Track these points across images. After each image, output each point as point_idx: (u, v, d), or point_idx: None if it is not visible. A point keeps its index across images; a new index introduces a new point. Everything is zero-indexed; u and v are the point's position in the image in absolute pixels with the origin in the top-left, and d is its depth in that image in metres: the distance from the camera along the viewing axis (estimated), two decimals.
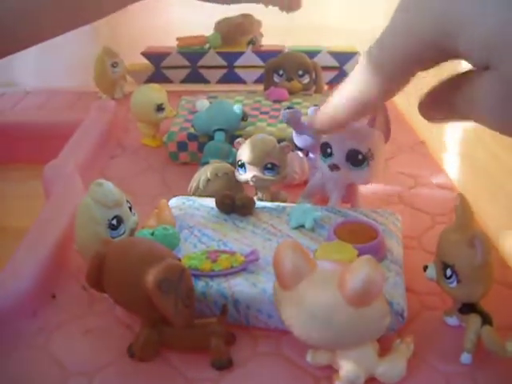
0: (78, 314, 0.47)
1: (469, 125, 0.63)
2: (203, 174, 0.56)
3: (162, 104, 0.72)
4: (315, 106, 0.56)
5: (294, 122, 0.55)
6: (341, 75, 0.90)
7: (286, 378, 0.41)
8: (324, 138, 0.51)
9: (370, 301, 0.36)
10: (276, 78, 0.81)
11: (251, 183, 0.54)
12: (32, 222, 0.54)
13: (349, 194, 0.54)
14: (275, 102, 0.77)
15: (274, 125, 0.70)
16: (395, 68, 0.39)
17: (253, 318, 0.44)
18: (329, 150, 0.51)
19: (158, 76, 0.94)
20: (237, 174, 0.55)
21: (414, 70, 0.39)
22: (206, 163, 0.60)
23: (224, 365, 0.41)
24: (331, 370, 0.40)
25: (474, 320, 0.41)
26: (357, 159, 0.50)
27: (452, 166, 0.68)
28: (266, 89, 0.81)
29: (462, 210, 0.43)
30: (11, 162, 0.81)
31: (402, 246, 0.49)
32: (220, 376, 0.41)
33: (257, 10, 0.88)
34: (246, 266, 0.45)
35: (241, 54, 0.93)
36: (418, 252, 0.53)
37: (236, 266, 0.44)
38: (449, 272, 0.41)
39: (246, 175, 0.53)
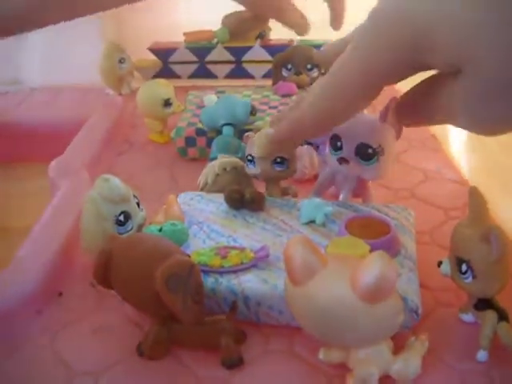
0: (85, 312, 0.46)
1: None
2: (211, 168, 0.55)
3: (169, 99, 0.72)
4: None
5: None
6: None
7: (298, 376, 0.40)
8: (334, 131, 0.50)
9: (384, 297, 0.35)
10: (284, 73, 0.80)
11: (260, 178, 0.53)
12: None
13: (360, 189, 0.53)
14: (284, 96, 0.76)
15: None
16: (366, 88, 0.40)
17: (263, 315, 0.43)
18: (339, 144, 0.50)
19: (165, 71, 0.93)
20: (246, 168, 0.54)
21: (386, 85, 0.39)
22: (215, 158, 0.59)
23: (234, 363, 0.40)
24: (344, 368, 0.39)
25: (490, 316, 0.40)
26: (366, 153, 0.49)
27: (463, 159, 0.67)
28: (274, 83, 0.80)
29: (476, 203, 0.42)
30: (17, 161, 0.81)
31: (415, 241, 0.48)
32: (231, 374, 0.40)
33: None
34: (256, 262, 0.44)
35: (249, 48, 0.92)
36: (431, 247, 0.52)
37: (246, 263, 0.44)
38: (464, 267, 0.40)
39: (256, 169, 0.53)
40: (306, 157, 0.61)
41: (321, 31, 0.89)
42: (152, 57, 0.94)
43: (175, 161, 0.69)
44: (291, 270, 0.37)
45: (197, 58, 0.92)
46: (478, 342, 0.40)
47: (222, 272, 0.43)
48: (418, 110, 0.41)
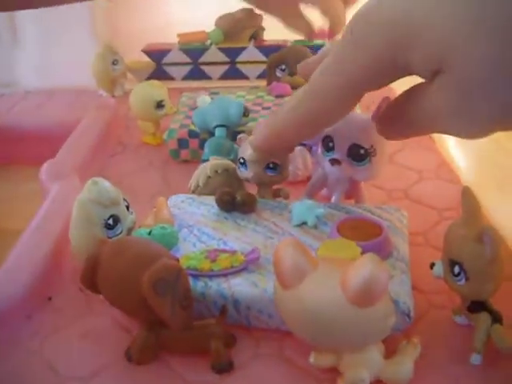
0: (75, 316, 0.46)
1: None
2: (203, 171, 0.55)
3: (162, 101, 0.71)
4: None
5: None
6: None
7: (289, 380, 0.40)
8: (326, 132, 0.50)
9: (374, 300, 0.35)
10: (278, 73, 0.79)
11: (252, 181, 0.53)
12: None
13: (352, 190, 0.53)
14: (278, 97, 0.76)
15: None
16: (346, 92, 0.39)
17: (254, 319, 0.43)
18: (331, 144, 0.50)
19: (159, 73, 0.93)
20: (238, 171, 0.53)
21: (366, 90, 0.39)
22: (207, 160, 0.59)
23: (224, 367, 0.40)
24: (335, 372, 0.39)
25: (484, 318, 0.40)
26: (359, 154, 0.49)
27: (458, 159, 0.66)
28: (268, 84, 0.80)
29: (469, 203, 0.41)
30: (9, 163, 0.80)
31: (408, 242, 0.47)
32: (220, 379, 0.40)
33: None
34: (247, 265, 0.43)
35: (243, 49, 0.92)
36: (424, 249, 0.52)
37: (236, 266, 0.43)
38: (457, 269, 0.40)
39: (247, 173, 0.52)
40: (299, 158, 0.61)
41: None
42: (145, 58, 0.93)
43: (167, 163, 0.69)
44: (281, 273, 0.36)
45: (190, 60, 0.92)
46: (471, 344, 0.40)
47: (211, 276, 0.43)
48: (400, 121, 0.41)
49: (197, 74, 0.93)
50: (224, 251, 0.44)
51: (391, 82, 0.39)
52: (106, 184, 0.46)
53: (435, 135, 0.72)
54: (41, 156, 0.66)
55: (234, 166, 0.55)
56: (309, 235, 0.47)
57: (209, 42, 0.92)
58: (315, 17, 0.87)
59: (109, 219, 0.46)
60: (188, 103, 0.74)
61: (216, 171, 0.54)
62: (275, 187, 0.55)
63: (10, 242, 0.51)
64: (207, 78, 0.93)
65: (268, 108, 0.72)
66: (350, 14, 0.82)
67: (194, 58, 0.92)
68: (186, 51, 0.92)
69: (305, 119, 0.43)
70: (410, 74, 0.37)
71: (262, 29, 0.94)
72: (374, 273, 0.34)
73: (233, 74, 0.93)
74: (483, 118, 0.34)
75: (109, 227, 0.46)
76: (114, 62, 0.88)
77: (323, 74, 0.40)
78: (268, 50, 0.89)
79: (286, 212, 0.50)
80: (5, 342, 0.43)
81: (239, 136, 0.54)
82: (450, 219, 0.53)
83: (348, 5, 0.79)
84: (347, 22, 0.39)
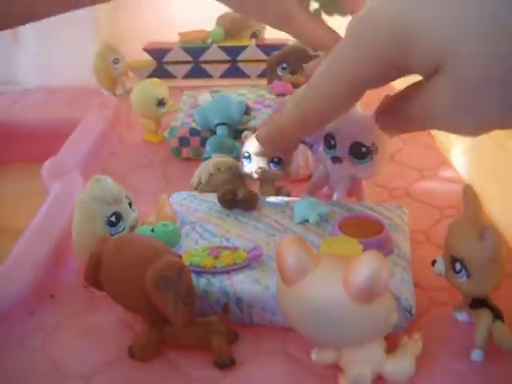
0: (77, 313, 0.46)
1: None
2: (205, 168, 0.55)
3: (163, 99, 0.71)
4: None
5: None
6: None
7: (291, 377, 0.40)
8: (328, 129, 0.50)
9: (376, 297, 0.35)
10: (279, 72, 0.80)
11: (255, 175, 0.53)
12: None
13: (354, 188, 0.53)
14: (279, 95, 0.76)
15: None
16: (347, 91, 0.40)
17: (257, 316, 0.43)
18: (332, 142, 0.50)
19: (160, 71, 0.93)
20: (241, 166, 0.54)
21: (366, 88, 0.40)
22: (209, 158, 0.59)
23: (226, 364, 0.40)
24: (337, 368, 0.39)
25: (485, 315, 0.40)
26: (360, 152, 0.49)
27: (459, 158, 0.66)
28: (269, 82, 0.80)
29: (470, 201, 0.41)
30: (11, 162, 0.80)
31: (410, 240, 0.48)
32: (222, 375, 0.40)
33: None
34: (249, 262, 0.44)
35: (244, 48, 0.92)
36: (426, 246, 0.52)
37: (239, 263, 0.43)
38: (458, 266, 0.40)
39: (251, 167, 0.52)
40: (300, 156, 0.61)
41: None
42: (147, 57, 0.93)
43: (169, 161, 0.69)
44: (283, 270, 0.37)
45: (191, 58, 0.92)
46: (473, 341, 0.40)
47: (214, 273, 0.43)
48: (399, 117, 0.41)
49: (197, 72, 0.94)
50: (226, 248, 0.45)
51: (391, 81, 0.40)
52: (109, 181, 0.46)
53: (436, 134, 0.72)
54: (42, 154, 0.66)
55: (236, 163, 0.55)
56: (311, 232, 0.47)
57: (210, 40, 0.93)
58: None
59: (111, 216, 0.46)
60: (189, 101, 0.74)
61: (219, 169, 0.54)
62: (277, 185, 0.55)
63: (12, 239, 0.51)
64: (208, 76, 0.94)
65: (269, 106, 0.72)
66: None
67: (194, 57, 0.92)
68: (187, 50, 0.92)
69: (306, 117, 0.43)
70: (410, 73, 0.37)
71: (263, 27, 0.95)
72: (376, 269, 0.34)
73: (233, 72, 0.93)
74: (480, 116, 0.34)
75: (111, 224, 0.46)
76: (115, 61, 0.88)
77: (324, 74, 0.41)
78: (269, 48, 0.89)
79: (287, 209, 0.50)
80: (7, 339, 0.43)
81: (244, 133, 0.54)
82: (451, 217, 0.53)
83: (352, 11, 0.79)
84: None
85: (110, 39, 0.89)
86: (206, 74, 0.93)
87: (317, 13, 0.53)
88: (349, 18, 0.47)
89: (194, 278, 0.41)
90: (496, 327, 0.39)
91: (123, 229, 0.47)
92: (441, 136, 0.71)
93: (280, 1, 0.49)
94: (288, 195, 0.55)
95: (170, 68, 0.93)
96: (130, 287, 0.39)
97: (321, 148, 0.51)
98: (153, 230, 0.45)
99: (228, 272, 0.43)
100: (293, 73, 0.79)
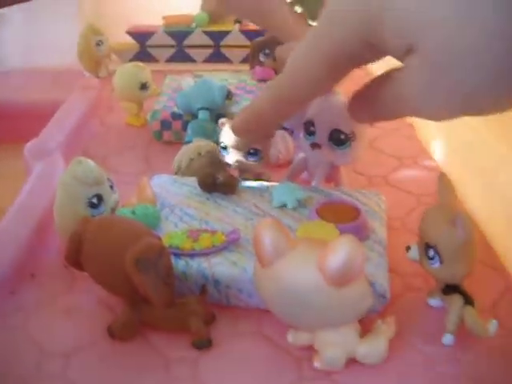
0: (58, 293, 0.46)
1: None
2: (186, 152, 0.56)
3: (146, 82, 0.72)
4: None
5: None
6: None
7: (267, 357, 0.41)
8: (308, 116, 0.51)
9: (351, 281, 0.36)
10: (262, 58, 0.80)
11: (233, 167, 0.54)
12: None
13: (333, 174, 0.54)
14: (260, 81, 0.76)
15: None
16: (322, 68, 0.39)
17: (233, 298, 0.43)
18: (312, 129, 0.50)
19: (143, 55, 0.93)
20: (220, 154, 0.54)
21: (334, 73, 0.40)
22: (190, 142, 0.59)
23: (204, 344, 0.41)
24: (312, 350, 0.40)
25: (456, 301, 0.41)
26: (339, 139, 0.50)
27: (437, 147, 0.67)
28: (251, 68, 0.80)
29: (444, 189, 0.42)
30: None
31: (386, 226, 0.48)
32: (200, 355, 0.41)
33: None
34: (228, 245, 0.44)
35: (227, 33, 0.92)
36: (402, 233, 0.53)
37: (217, 246, 0.44)
38: (431, 253, 0.41)
39: (229, 159, 0.53)
40: (280, 142, 0.61)
41: None
42: (130, 40, 0.93)
43: (150, 144, 0.69)
44: (260, 251, 0.37)
45: (175, 42, 0.93)
46: (444, 326, 0.41)
47: (193, 255, 0.44)
48: (372, 103, 0.41)
49: (181, 56, 0.94)
50: (205, 231, 0.45)
51: (368, 61, 0.40)
52: (91, 163, 0.47)
53: (416, 123, 0.73)
54: (25, 135, 0.66)
55: (216, 148, 0.55)
56: (288, 217, 0.48)
57: (194, 24, 0.93)
58: None
59: (93, 198, 0.46)
60: (172, 85, 0.74)
61: (199, 153, 0.55)
62: (257, 171, 0.55)
63: None
64: (191, 60, 0.94)
65: (251, 92, 0.73)
66: None
67: (178, 41, 0.93)
68: (171, 34, 0.92)
69: (281, 96, 0.43)
70: (386, 53, 0.37)
71: None
72: (351, 253, 0.35)
73: (217, 57, 0.93)
74: (450, 100, 0.34)
75: (93, 206, 0.46)
76: (99, 43, 0.88)
77: (300, 51, 0.40)
78: (252, 34, 0.90)
79: (266, 194, 0.51)
80: None
81: (220, 120, 0.55)
82: (428, 205, 0.54)
83: None
84: None
85: (93, 21, 0.89)
86: (189, 59, 0.94)
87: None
88: None
89: (172, 259, 0.42)
90: (467, 312, 0.40)
91: (104, 210, 0.47)
92: (420, 125, 0.72)
93: None
94: (268, 180, 0.55)
95: (153, 51, 0.93)
96: (111, 268, 0.40)
97: (301, 134, 0.52)
98: (133, 212, 0.45)
99: (207, 254, 0.44)
100: (275, 59, 0.79)
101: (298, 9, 0.54)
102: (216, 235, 0.44)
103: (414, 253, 0.43)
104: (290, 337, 0.40)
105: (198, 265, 0.43)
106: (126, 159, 0.67)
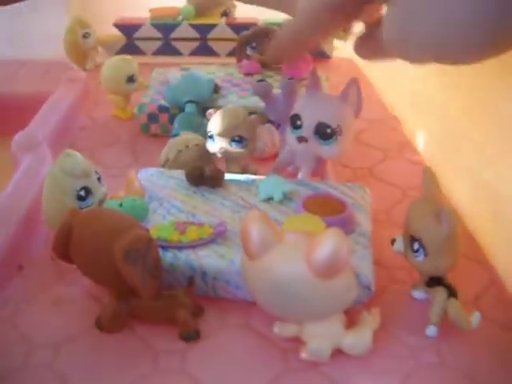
0: (46, 285, 0.47)
1: (441, 100, 0.64)
2: (174, 145, 0.56)
3: (133, 75, 0.72)
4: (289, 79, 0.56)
5: (265, 94, 0.55)
6: None
7: (254, 349, 0.41)
8: (294, 110, 0.51)
9: (337, 273, 0.36)
10: (249, 51, 0.80)
11: (219, 155, 0.54)
12: None
13: (319, 168, 0.54)
14: (247, 74, 0.77)
15: (245, 97, 0.69)
16: (315, 10, 0.43)
17: (221, 290, 0.44)
18: (298, 122, 0.51)
19: (129, 47, 0.93)
20: (207, 145, 0.55)
21: (335, 13, 0.42)
22: (177, 135, 0.59)
23: (192, 336, 0.41)
24: (299, 341, 0.40)
25: (440, 293, 0.41)
26: (325, 133, 0.50)
27: (421, 141, 0.68)
28: (238, 61, 0.81)
29: (429, 183, 0.43)
30: None
31: (371, 219, 0.49)
32: (188, 347, 0.41)
33: None
34: (215, 237, 0.45)
35: (214, 26, 0.92)
36: (387, 225, 0.53)
37: (204, 238, 0.44)
38: (416, 245, 0.41)
39: (214, 146, 0.53)
40: (266, 135, 0.62)
41: None
42: (117, 32, 0.93)
43: (137, 137, 0.70)
44: (247, 244, 0.38)
45: (162, 35, 0.93)
46: (428, 317, 0.42)
47: (180, 247, 0.44)
48: (373, 40, 0.44)
49: (167, 49, 0.94)
50: (193, 223, 0.46)
51: (359, 9, 0.43)
52: (79, 156, 0.47)
53: (400, 117, 0.74)
54: (12, 127, 0.66)
55: (204, 141, 0.56)
56: (275, 210, 0.48)
57: (180, 17, 0.93)
58: None
59: (80, 191, 0.46)
60: (159, 78, 0.75)
61: (187, 146, 0.55)
62: (243, 163, 0.56)
63: None
64: (178, 53, 0.94)
65: (237, 85, 0.73)
66: None
67: (165, 34, 0.93)
68: (158, 26, 0.92)
69: (294, 30, 0.46)
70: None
71: (234, 6, 0.95)
72: (337, 246, 0.35)
73: (203, 50, 0.94)
74: (418, 34, 0.36)
75: (80, 198, 0.46)
76: (86, 35, 0.88)
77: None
78: (239, 27, 0.90)
79: (253, 187, 0.51)
80: None
81: (208, 111, 0.55)
82: (413, 198, 0.54)
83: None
84: None
85: (80, 13, 0.89)
86: (175, 52, 0.94)
87: (338, 35, 0.55)
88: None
89: (160, 251, 0.42)
90: (450, 305, 0.41)
91: (92, 203, 0.47)
92: (406, 119, 0.73)
93: None
94: (255, 173, 0.56)
95: (140, 44, 0.93)
96: (99, 260, 0.40)
97: (287, 128, 0.52)
98: (121, 205, 0.46)
99: (194, 247, 0.44)
100: (262, 52, 0.79)
101: None
102: (203, 228, 0.45)
103: (399, 245, 0.43)
104: (276, 328, 0.41)
105: (185, 257, 0.43)
106: (113, 152, 0.67)
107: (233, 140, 0.53)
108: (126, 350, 0.41)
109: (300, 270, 0.36)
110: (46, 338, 0.42)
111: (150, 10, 0.93)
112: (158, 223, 0.46)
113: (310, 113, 0.51)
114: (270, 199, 0.50)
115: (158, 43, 0.93)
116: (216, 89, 0.67)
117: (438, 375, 0.40)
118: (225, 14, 0.94)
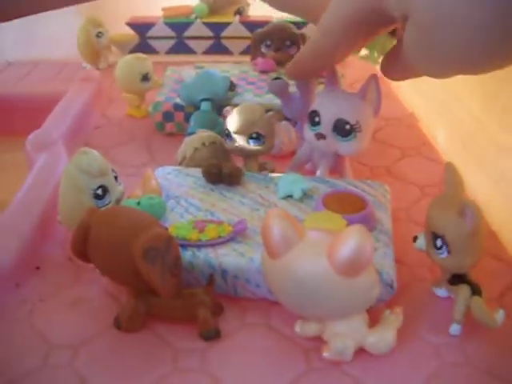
0: (63, 285, 0.46)
1: (457, 97, 0.63)
2: (190, 143, 0.55)
3: (147, 74, 0.71)
4: None
5: (281, 92, 0.55)
6: None
7: (275, 349, 0.41)
8: (313, 107, 0.51)
9: (360, 271, 0.36)
10: (263, 49, 0.80)
11: (237, 153, 0.54)
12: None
13: (337, 165, 0.54)
14: (262, 72, 0.76)
15: (260, 95, 0.69)
16: (336, 30, 0.44)
17: (241, 288, 0.43)
18: (317, 119, 0.50)
19: (143, 46, 0.92)
20: (225, 143, 0.54)
21: (355, 33, 0.44)
22: (193, 133, 0.59)
23: (212, 335, 0.41)
24: (320, 341, 0.40)
25: (464, 291, 0.41)
26: (344, 129, 0.49)
27: (440, 137, 0.67)
28: (252, 59, 0.80)
29: (451, 179, 0.42)
30: None
31: (391, 217, 0.48)
32: (208, 347, 0.41)
33: None
34: (234, 235, 0.44)
35: (227, 24, 0.92)
36: (406, 224, 0.53)
37: (223, 236, 0.44)
38: (439, 242, 0.41)
39: (232, 144, 0.53)
40: (283, 132, 0.61)
41: None
42: (130, 31, 0.93)
43: (152, 135, 0.69)
44: (269, 243, 0.37)
45: (175, 34, 0.92)
46: (451, 315, 0.41)
47: (199, 246, 0.43)
48: (397, 62, 0.44)
49: (181, 48, 0.93)
50: (211, 222, 0.45)
51: (378, 27, 0.44)
52: (95, 154, 0.47)
53: (418, 114, 0.73)
54: (26, 127, 0.66)
55: (221, 138, 0.55)
56: (294, 208, 0.48)
57: (193, 16, 0.92)
58: None
59: (97, 189, 0.46)
60: (173, 77, 0.74)
61: (203, 143, 0.55)
62: (261, 161, 0.55)
63: None
64: (191, 52, 0.94)
65: (253, 83, 0.73)
66: None
67: (178, 32, 0.92)
68: (171, 25, 0.92)
69: (314, 48, 0.47)
70: (393, 21, 0.40)
71: (247, 4, 0.95)
72: (361, 243, 0.35)
73: (217, 48, 0.93)
74: (436, 56, 0.37)
75: (97, 197, 0.46)
76: (99, 35, 0.87)
77: (326, 14, 0.44)
78: (253, 25, 0.89)
79: (271, 185, 0.51)
80: None
81: (225, 109, 0.55)
82: (431, 196, 0.54)
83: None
84: None
85: (93, 13, 0.89)
86: (189, 50, 0.93)
87: (372, 58, 0.55)
88: None
89: (179, 250, 0.42)
90: (474, 302, 0.40)
91: (109, 202, 0.47)
92: (423, 116, 0.72)
93: None
94: (273, 171, 0.55)
95: (153, 43, 0.93)
96: (118, 258, 0.39)
97: (305, 125, 0.52)
98: (139, 203, 0.45)
99: (213, 245, 0.44)
100: (276, 50, 0.79)
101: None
102: (222, 226, 0.44)
103: (421, 242, 0.43)
104: (298, 327, 0.40)
105: (205, 255, 0.43)
106: (128, 151, 0.66)
107: (250, 137, 0.52)
108: (145, 349, 0.41)
109: (322, 268, 0.36)
110: (64, 339, 0.41)
111: (163, 9, 0.93)
112: (177, 222, 0.46)
113: (329, 109, 0.50)
114: (289, 197, 0.49)
115: (172, 42, 0.93)
116: (231, 86, 0.67)
117: (462, 374, 0.39)
118: (238, 12, 0.94)
